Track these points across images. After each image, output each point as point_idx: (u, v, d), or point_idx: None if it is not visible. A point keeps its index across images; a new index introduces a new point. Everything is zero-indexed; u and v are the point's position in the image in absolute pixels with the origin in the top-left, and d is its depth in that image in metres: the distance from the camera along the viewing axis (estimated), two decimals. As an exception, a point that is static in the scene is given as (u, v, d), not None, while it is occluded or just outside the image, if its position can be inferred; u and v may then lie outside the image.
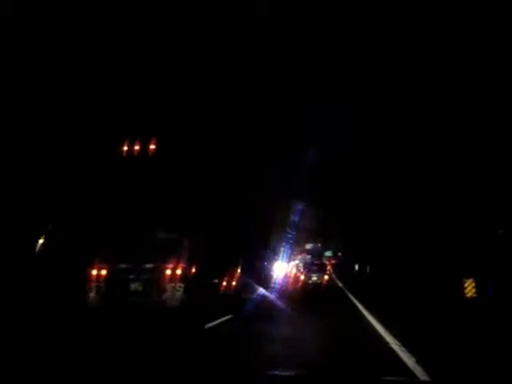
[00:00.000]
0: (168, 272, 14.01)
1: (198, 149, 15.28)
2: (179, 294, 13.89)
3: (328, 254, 66.51)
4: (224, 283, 22.03)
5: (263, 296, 24.70)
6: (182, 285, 13.93)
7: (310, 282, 36.07)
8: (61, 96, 15.68)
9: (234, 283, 23.03)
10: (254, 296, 23.88)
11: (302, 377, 3.69)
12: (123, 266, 14.31)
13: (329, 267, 55.97)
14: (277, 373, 3.97)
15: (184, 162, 14.72)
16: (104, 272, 14.24)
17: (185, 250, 14.35)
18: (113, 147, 14.79)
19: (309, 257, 47.71)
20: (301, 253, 48.74)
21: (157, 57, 16.93)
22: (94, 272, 14.26)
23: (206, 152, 15.72)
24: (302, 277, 37.72)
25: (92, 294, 14.23)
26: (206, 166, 15.71)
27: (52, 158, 15.86)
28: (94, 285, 14.24)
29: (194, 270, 14.57)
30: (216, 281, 20.87)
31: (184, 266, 14.11)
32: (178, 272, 14.01)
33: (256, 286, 25.76)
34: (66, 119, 15.55)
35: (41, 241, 16.78)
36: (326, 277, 37.51)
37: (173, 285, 13.91)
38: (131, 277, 14.18)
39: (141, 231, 14.33)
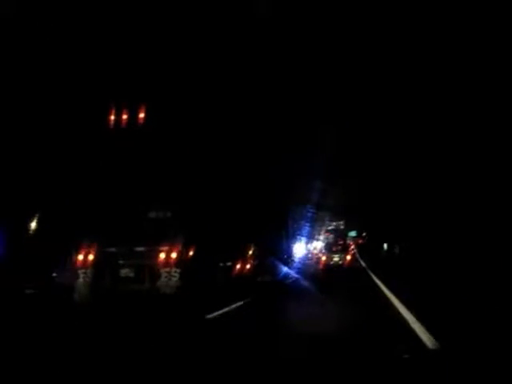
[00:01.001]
0: (162, 255, 12.37)
1: (196, 113, 13.44)
2: (175, 279, 12.25)
3: (352, 234, 63.95)
4: (237, 266, 20.57)
5: (284, 278, 23.07)
6: (177, 270, 12.28)
7: (332, 262, 34.41)
8: (42, 66, 14.09)
9: (247, 266, 21.54)
10: (273, 279, 22.21)
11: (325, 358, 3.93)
12: (112, 249, 12.75)
13: (352, 247, 54.08)
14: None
15: (178, 130, 12.93)
16: (91, 257, 12.71)
17: (181, 230, 12.66)
18: (98, 118, 13.12)
19: (331, 236, 45.80)
20: (324, 233, 46.86)
21: (147, 23, 15.16)
22: (80, 257, 12.73)
23: (205, 117, 13.86)
24: (324, 257, 36.04)
25: (79, 282, 12.73)
26: (206, 133, 13.85)
27: (36, 134, 14.30)
28: (80, 271, 12.73)
29: (191, 253, 12.87)
30: (229, 264, 19.39)
31: (180, 248, 12.44)
32: (173, 255, 12.35)
33: (276, 268, 24.16)
34: (45, 91, 13.94)
35: (33, 224, 15.31)
36: (349, 257, 35.77)
37: (168, 270, 12.28)
38: (121, 262, 12.62)
39: (131, 210, 12.69)
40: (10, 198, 13.97)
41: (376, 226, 46.13)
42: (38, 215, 14.41)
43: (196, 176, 13.16)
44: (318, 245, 41.89)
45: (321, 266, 34.61)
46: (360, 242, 64.09)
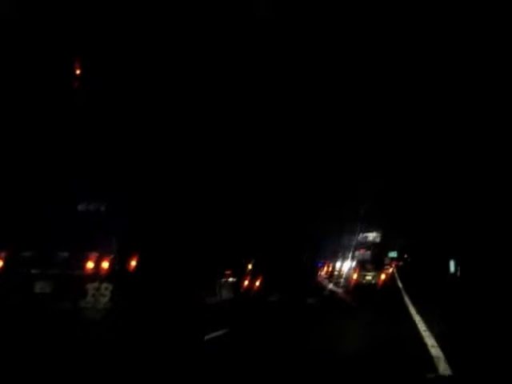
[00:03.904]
0: (90, 264, 8.77)
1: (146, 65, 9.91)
2: (104, 300, 8.61)
3: (393, 254, 58.08)
4: (245, 283, 17.51)
5: (302, 299, 19.33)
6: (108, 286, 8.64)
7: (364, 281, 30.30)
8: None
9: (256, 283, 18.37)
10: (287, 298, 18.67)
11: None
12: (27, 253, 9.25)
13: (393, 266, 49.36)
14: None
15: (125, 89, 9.46)
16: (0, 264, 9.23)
17: (119, 229, 9.03)
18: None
19: (368, 253, 41.49)
20: (357, 249, 42.60)
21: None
22: (-16, 264, 9.27)
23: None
24: (355, 275, 32.00)
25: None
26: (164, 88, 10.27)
27: None
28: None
29: (134, 263, 9.17)
30: (233, 280, 16.27)
31: (114, 255, 8.79)
32: (105, 265, 8.73)
33: (292, 288, 20.73)
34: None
35: None
36: (383, 276, 31.55)
37: (95, 285, 8.66)
38: (36, 271, 9.09)
39: (54, 199, 9.23)
40: None
41: (428, 237, 40.25)
42: None
43: (145, 152, 9.55)
44: (347, 264, 37.95)
45: (351, 285, 30.88)
46: (400, 263, 58.94)
